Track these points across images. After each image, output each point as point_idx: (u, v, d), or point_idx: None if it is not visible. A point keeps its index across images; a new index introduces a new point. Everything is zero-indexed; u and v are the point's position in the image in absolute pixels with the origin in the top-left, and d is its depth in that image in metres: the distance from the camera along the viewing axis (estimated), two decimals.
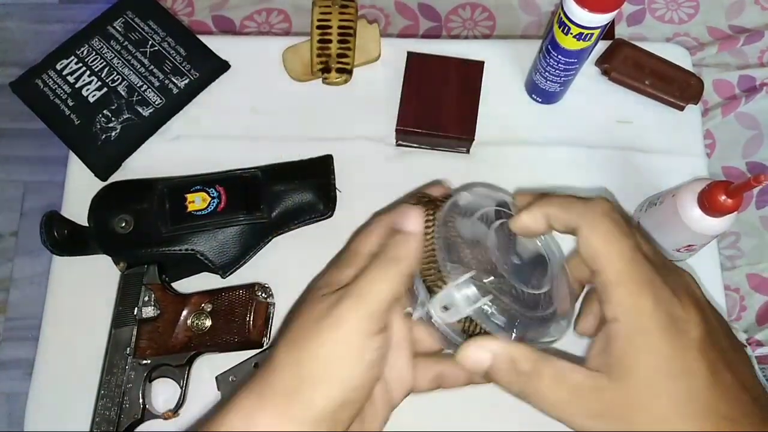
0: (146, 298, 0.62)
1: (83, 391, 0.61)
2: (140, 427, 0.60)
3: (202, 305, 0.62)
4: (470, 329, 0.37)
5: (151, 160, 0.72)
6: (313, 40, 0.75)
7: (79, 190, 0.70)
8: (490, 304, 0.36)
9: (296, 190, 0.67)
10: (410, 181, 0.71)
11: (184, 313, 0.62)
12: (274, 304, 0.66)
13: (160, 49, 0.74)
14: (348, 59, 0.74)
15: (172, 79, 0.73)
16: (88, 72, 0.72)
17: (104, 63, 0.73)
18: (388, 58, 0.76)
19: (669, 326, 0.30)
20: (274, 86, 0.75)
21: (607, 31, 0.61)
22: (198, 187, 0.66)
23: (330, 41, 0.74)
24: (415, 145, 0.72)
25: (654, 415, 0.29)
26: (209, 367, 0.63)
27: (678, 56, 0.77)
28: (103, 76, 0.72)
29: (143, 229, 0.64)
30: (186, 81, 0.73)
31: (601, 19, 0.58)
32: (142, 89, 0.72)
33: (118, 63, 0.73)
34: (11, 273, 1.31)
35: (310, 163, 0.70)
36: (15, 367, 1.25)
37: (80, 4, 1.48)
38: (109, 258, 0.65)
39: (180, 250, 0.64)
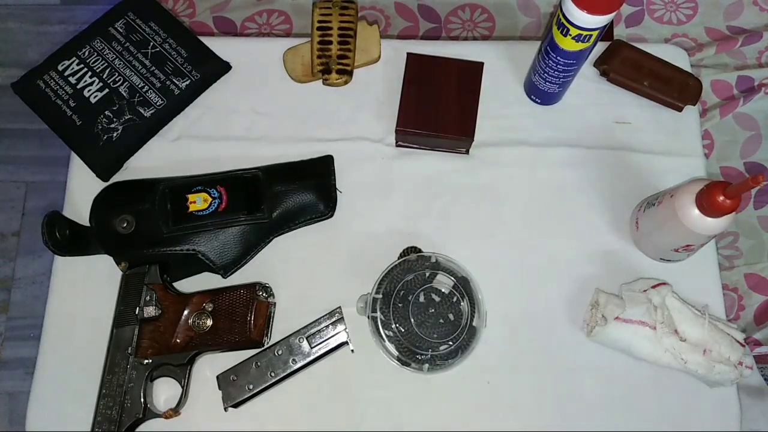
0: (148, 298, 0.62)
1: (85, 390, 0.62)
2: (142, 426, 0.61)
3: (204, 305, 0.62)
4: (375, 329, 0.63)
5: (153, 160, 0.72)
6: (313, 42, 0.75)
7: (80, 191, 0.70)
8: (383, 318, 0.62)
9: (297, 190, 0.68)
10: (410, 182, 0.72)
11: (186, 312, 0.62)
12: (275, 303, 0.66)
13: (162, 50, 0.74)
14: (348, 60, 0.74)
15: (174, 80, 0.73)
16: (89, 73, 0.73)
17: (106, 64, 0.73)
18: (388, 60, 0.76)
19: None
20: (274, 87, 0.76)
21: (606, 33, 0.62)
22: (199, 187, 0.66)
23: (330, 42, 0.74)
24: (414, 146, 0.73)
25: None
26: (210, 367, 0.64)
27: (676, 57, 0.77)
28: (104, 77, 0.73)
29: (145, 229, 0.65)
30: (187, 82, 0.73)
31: (600, 20, 0.58)
32: (144, 90, 0.72)
33: (119, 64, 0.73)
34: (13, 273, 1.31)
35: (310, 163, 0.70)
36: (17, 367, 1.25)
37: (82, 6, 1.48)
38: (111, 258, 0.66)
39: (181, 250, 0.65)
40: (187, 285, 0.67)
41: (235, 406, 0.62)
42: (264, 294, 0.64)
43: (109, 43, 0.74)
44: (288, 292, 0.67)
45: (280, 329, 0.65)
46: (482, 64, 0.72)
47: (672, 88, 0.74)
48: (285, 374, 0.62)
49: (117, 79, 0.73)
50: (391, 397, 0.64)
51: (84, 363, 0.63)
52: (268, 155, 0.71)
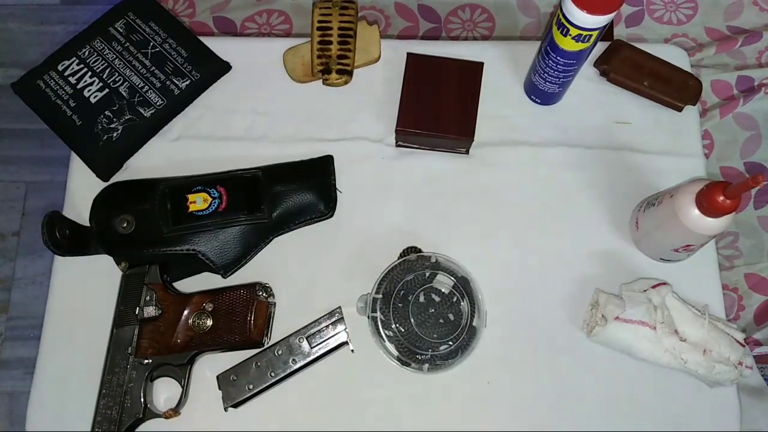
0: (148, 298, 0.62)
1: (85, 391, 0.62)
2: (142, 427, 0.61)
3: (204, 305, 0.62)
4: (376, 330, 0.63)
5: (153, 160, 0.72)
6: (313, 42, 0.75)
7: (80, 191, 0.70)
8: (383, 318, 0.62)
9: (297, 190, 0.68)
10: (410, 182, 0.72)
11: (186, 312, 0.62)
12: (275, 303, 0.66)
13: (162, 50, 0.74)
14: (348, 60, 0.74)
15: (174, 80, 0.73)
16: (89, 73, 0.73)
17: (106, 64, 0.73)
18: (388, 60, 0.76)
19: None
20: (274, 87, 0.76)
21: (606, 33, 0.62)
22: (199, 187, 0.66)
23: (330, 42, 0.74)
24: (414, 146, 0.73)
25: None
26: (210, 367, 0.64)
27: (676, 57, 0.77)
28: (104, 77, 0.73)
29: (145, 229, 0.65)
30: (187, 82, 0.73)
31: (600, 20, 0.58)
32: (144, 90, 0.72)
33: (119, 64, 0.73)
34: (13, 273, 1.31)
35: (310, 163, 0.70)
36: (17, 367, 1.25)
37: (82, 5, 1.48)
38: (111, 258, 0.66)
39: (181, 250, 0.65)
40: (187, 285, 0.67)
41: (235, 406, 0.62)
42: (264, 294, 0.64)
43: (109, 43, 0.74)
44: (288, 292, 0.67)
45: (280, 329, 0.65)
46: (482, 64, 0.72)
47: (672, 88, 0.74)
48: (285, 374, 0.62)
49: (117, 79, 0.73)
50: (391, 397, 0.64)
51: (84, 363, 0.63)
52: (268, 155, 0.71)
